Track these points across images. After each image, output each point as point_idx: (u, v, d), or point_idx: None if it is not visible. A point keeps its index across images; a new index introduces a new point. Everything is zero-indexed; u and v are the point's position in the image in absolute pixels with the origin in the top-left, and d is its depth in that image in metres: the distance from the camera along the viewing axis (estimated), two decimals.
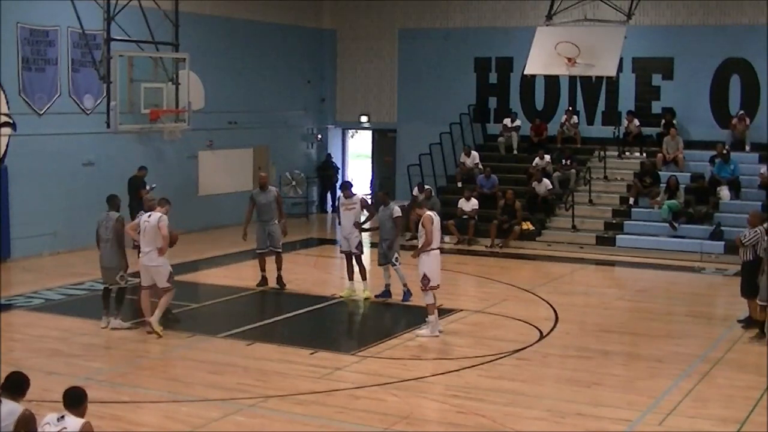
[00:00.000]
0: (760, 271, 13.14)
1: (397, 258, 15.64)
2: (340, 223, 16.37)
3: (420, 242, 13.64)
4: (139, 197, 19.79)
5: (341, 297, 16.18)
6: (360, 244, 16.15)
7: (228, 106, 24.00)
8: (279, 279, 16.68)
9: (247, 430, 9.91)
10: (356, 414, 10.30)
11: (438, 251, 13.71)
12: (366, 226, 16.26)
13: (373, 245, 18.24)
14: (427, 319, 13.63)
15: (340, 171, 28.46)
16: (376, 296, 16.01)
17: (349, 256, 16.18)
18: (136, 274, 14.08)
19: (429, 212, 13.78)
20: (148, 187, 19.96)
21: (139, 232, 13.49)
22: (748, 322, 13.94)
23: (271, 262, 16.72)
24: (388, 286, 16.01)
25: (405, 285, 15.67)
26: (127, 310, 14.21)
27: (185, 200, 22.43)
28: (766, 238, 13.44)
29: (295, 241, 17.46)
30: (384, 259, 15.78)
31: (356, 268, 16.14)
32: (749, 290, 13.60)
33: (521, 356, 12.71)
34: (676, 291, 17.82)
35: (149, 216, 13.42)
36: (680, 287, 18.11)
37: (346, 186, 16.32)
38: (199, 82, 19.92)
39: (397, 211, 15.78)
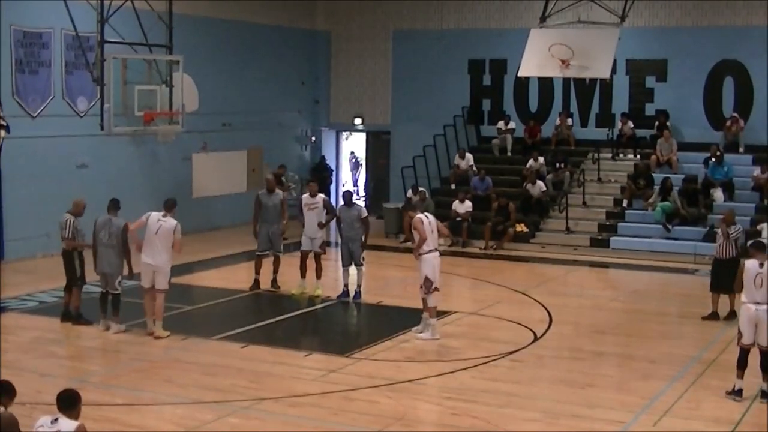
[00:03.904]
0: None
1: (363, 258, 16.00)
2: (303, 225, 16.43)
3: (415, 245, 13.70)
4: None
5: (292, 294, 16.36)
6: (323, 244, 16.47)
7: (222, 107, 23.97)
8: (274, 281, 16.73)
9: (241, 431, 9.93)
10: (350, 416, 10.31)
11: (437, 253, 13.74)
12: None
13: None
14: (428, 322, 13.63)
15: (334, 173, 28.45)
16: (337, 297, 16.24)
17: (305, 255, 16.35)
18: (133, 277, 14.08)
19: (420, 215, 13.81)
20: (287, 184, 22.39)
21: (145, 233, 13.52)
22: (713, 317, 14.79)
23: (267, 264, 16.72)
24: (347, 286, 16.28)
25: (359, 286, 16.10)
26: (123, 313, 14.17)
27: (179, 202, 22.34)
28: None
29: (288, 243, 17.46)
30: (349, 261, 15.98)
31: (313, 266, 16.34)
32: (729, 285, 13.60)
33: (515, 358, 12.72)
34: (669, 292, 17.86)
35: (164, 216, 13.46)
36: (674, 289, 18.15)
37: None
38: (192, 84, 19.87)
39: (364, 212, 15.98)
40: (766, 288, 10.81)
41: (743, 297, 11.05)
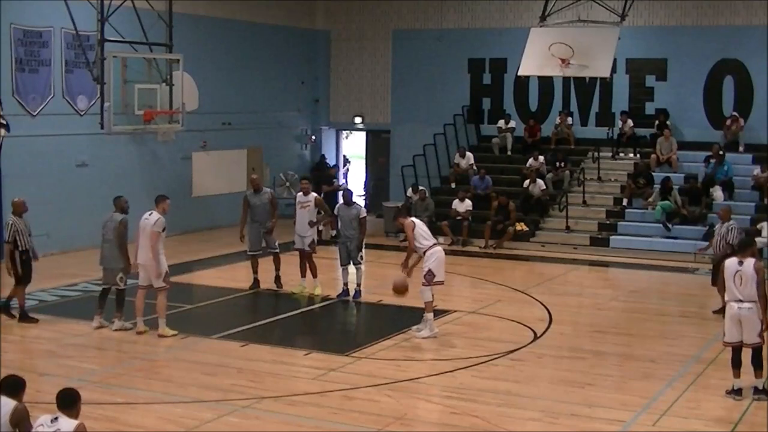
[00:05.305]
0: None
1: (362, 257, 16.03)
2: (294, 223, 16.44)
3: (408, 252, 13.81)
4: (321, 192, 22.42)
5: (293, 293, 16.36)
6: (313, 243, 16.40)
7: (222, 107, 23.98)
8: (277, 279, 16.73)
9: (241, 431, 9.91)
10: (350, 415, 10.31)
11: (441, 248, 13.82)
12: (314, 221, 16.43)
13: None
14: (424, 317, 13.64)
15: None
16: (337, 296, 16.23)
17: (302, 254, 16.35)
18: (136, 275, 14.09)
19: (410, 219, 13.88)
20: (335, 183, 23.68)
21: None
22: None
23: (266, 263, 16.71)
24: (346, 285, 16.28)
25: (359, 285, 16.10)
26: (128, 312, 14.15)
27: (179, 201, 22.41)
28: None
29: (288, 242, 17.44)
30: (347, 260, 15.97)
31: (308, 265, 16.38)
32: None
33: (515, 357, 12.72)
34: (669, 291, 17.86)
35: (150, 214, 13.45)
36: (674, 288, 18.16)
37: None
38: (192, 83, 19.88)
39: (363, 212, 15.97)
40: (747, 286, 10.85)
41: (726, 296, 11.08)
